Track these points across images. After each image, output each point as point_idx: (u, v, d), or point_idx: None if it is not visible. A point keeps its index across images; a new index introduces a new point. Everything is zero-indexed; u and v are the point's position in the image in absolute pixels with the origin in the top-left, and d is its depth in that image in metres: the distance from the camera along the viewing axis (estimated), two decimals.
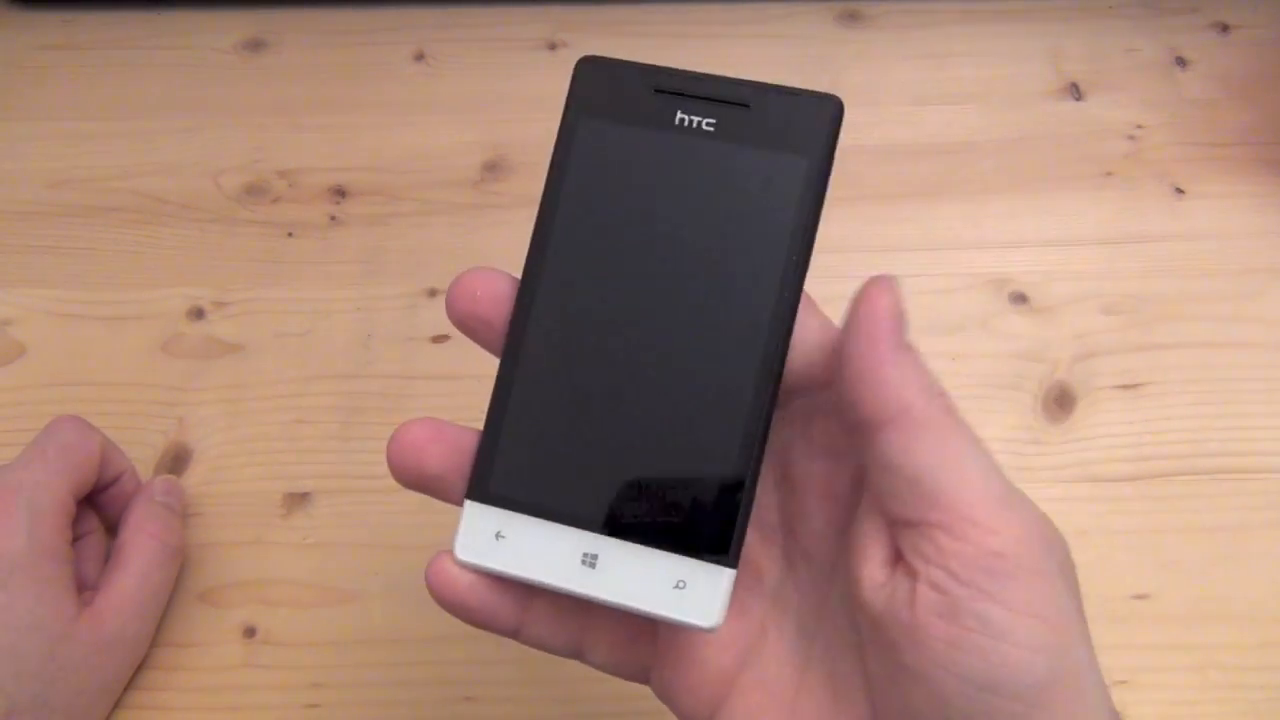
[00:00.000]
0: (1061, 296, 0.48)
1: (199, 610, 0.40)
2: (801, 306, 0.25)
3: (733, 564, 0.24)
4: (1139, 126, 0.54)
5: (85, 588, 0.37)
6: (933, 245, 0.50)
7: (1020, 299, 0.48)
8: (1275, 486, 0.43)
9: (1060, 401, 0.45)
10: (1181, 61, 0.56)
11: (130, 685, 0.38)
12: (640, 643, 0.27)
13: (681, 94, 0.25)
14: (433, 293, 0.48)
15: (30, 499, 0.35)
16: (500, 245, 0.49)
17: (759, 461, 0.24)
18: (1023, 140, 0.53)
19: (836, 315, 0.49)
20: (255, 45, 0.58)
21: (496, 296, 0.26)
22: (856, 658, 0.25)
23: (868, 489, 0.25)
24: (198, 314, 0.48)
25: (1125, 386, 0.45)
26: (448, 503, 0.26)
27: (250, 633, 0.40)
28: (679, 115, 0.25)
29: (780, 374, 0.24)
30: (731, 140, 0.24)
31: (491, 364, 0.26)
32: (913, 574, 0.23)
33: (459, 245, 0.50)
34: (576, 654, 0.27)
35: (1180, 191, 0.51)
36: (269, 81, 0.56)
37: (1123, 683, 0.39)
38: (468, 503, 0.25)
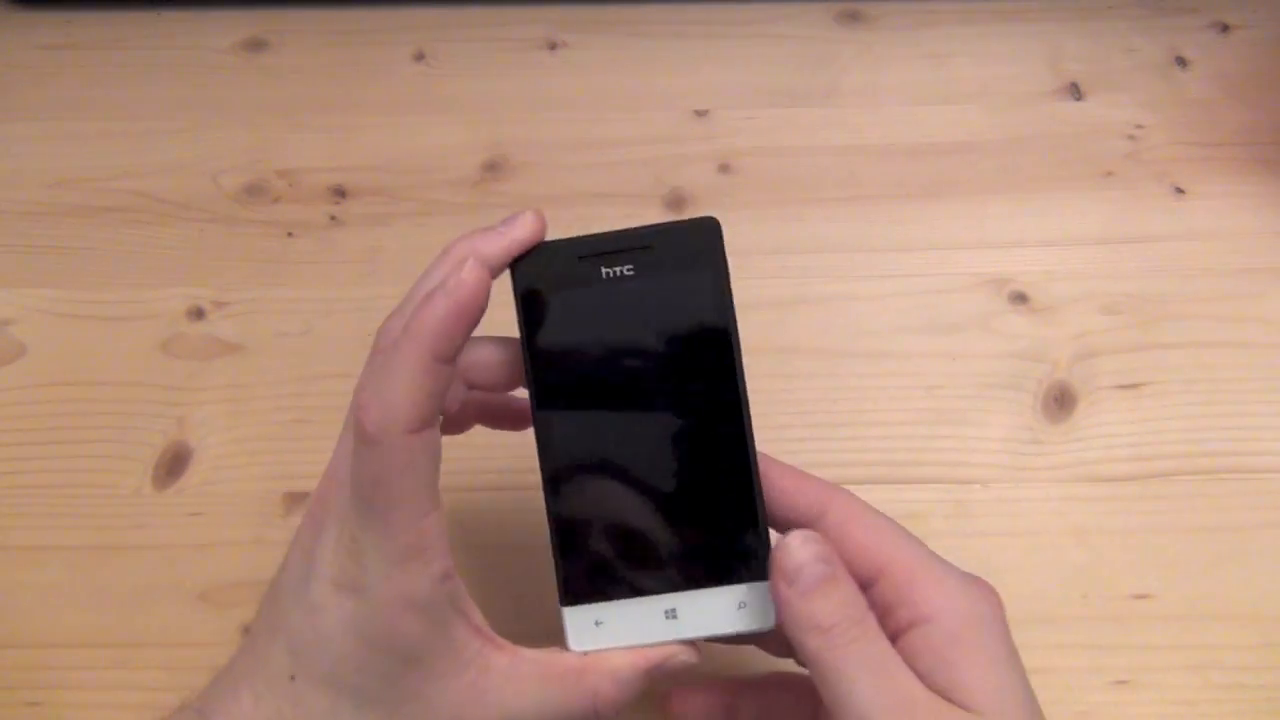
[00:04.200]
0: (1061, 296, 0.48)
1: (199, 610, 0.40)
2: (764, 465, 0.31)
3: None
4: (1139, 126, 0.54)
5: None
6: (933, 245, 0.50)
7: (1020, 299, 0.48)
8: (1275, 486, 0.43)
9: (1060, 401, 0.45)
10: (1181, 61, 0.56)
11: (129, 685, 0.38)
12: None
13: (598, 254, 0.30)
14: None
15: None
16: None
17: (762, 496, 0.30)
18: (1023, 140, 0.53)
19: (836, 314, 0.48)
20: (255, 45, 0.58)
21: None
22: None
23: None
24: (198, 314, 0.48)
25: (1125, 386, 0.45)
26: None
27: (250, 632, 0.40)
28: (603, 271, 0.30)
29: (750, 425, 0.30)
30: (648, 276, 0.30)
31: None
32: None
33: None
34: None
35: (1180, 191, 0.51)
36: (269, 81, 0.56)
37: (1123, 683, 0.39)
38: (565, 609, 0.30)
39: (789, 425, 0.44)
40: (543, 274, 0.30)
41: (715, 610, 0.30)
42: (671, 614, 0.30)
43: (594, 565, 0.30)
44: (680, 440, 0.30)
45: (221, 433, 0.45)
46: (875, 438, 0.44)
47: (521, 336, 0.30)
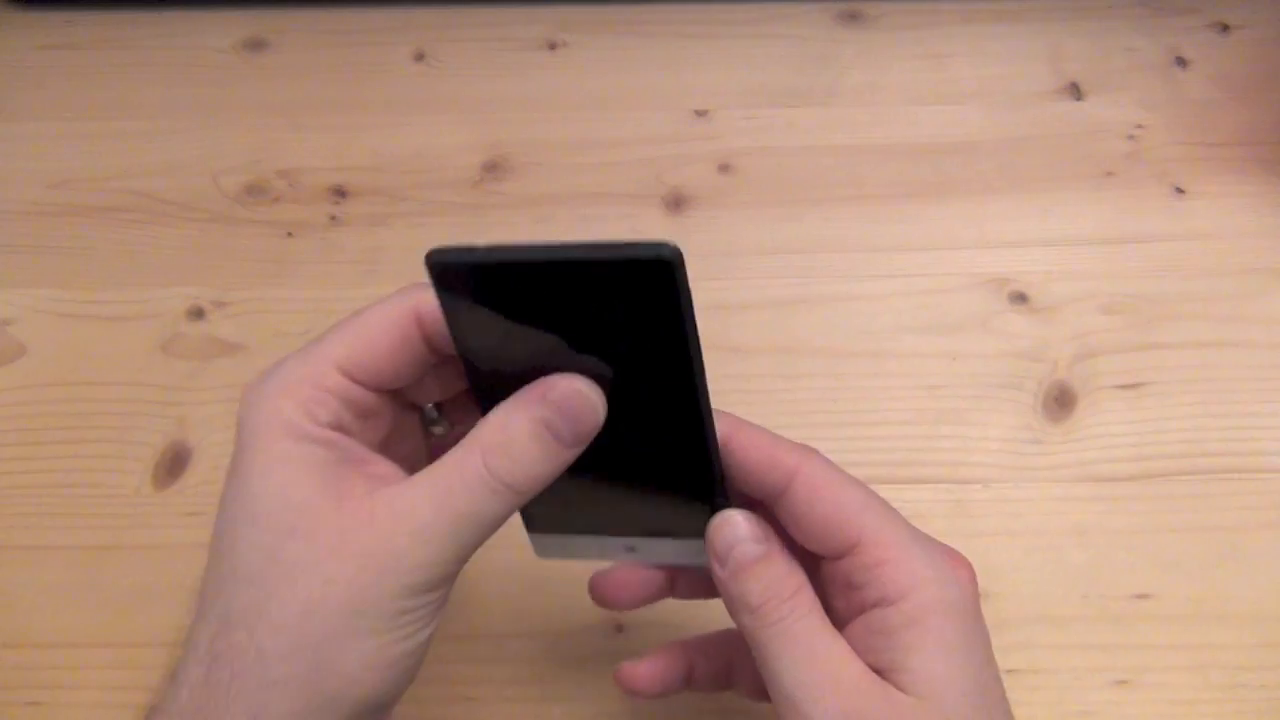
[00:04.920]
0: (1061, 296, 0.48)
1: None
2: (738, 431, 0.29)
3: None
4: (1139, 126, 0.54)
5: None
6: (933, 245, 0.50)
7: (1020, 299, 0.48)
8: (1275, 486, 0.43)
9: (1060, 401, 0.45)
10: (1181, 61, 0.56)
11: (129, 685, 0.38)
12: None
13: (531, 274, 0.24)
14: None
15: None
16: None
17: (721, 466, 0.29)
18: (1023, 140, 0.53)
19: (836, 314, 0.48)
20: (255, 45, 0.58)
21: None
22: None
23: None
24: (198, 314, 0.48)
25: (1125, 386, 0.45)
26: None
27: None
28: (533, 301, 0.25)
29: (708, 407, 0.27)
30: (590, 302, 0.24)
31: None
32: None
33: None
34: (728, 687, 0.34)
35: (1180, 191, 0.51)
36: (269, 81, 0.56)
37: (1123, 683, 0.39)
38: (533, 535, 0.31)
39: (789, 425, 0.44)
40: (464, 289, 0.25)
41: (675, 550, 0.31)
42: (630, 549, 0.31)
43: (555, 513, 0.30)
44: (643, 427, 0.28)
45: (221, 433, 0.45)
46: (875, 438, 0.44)
47: (452, 341, 0.27)
